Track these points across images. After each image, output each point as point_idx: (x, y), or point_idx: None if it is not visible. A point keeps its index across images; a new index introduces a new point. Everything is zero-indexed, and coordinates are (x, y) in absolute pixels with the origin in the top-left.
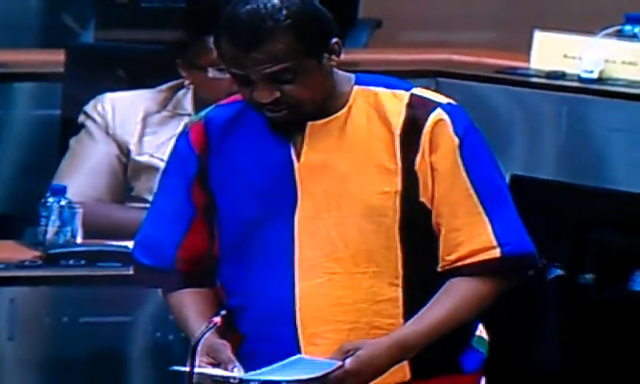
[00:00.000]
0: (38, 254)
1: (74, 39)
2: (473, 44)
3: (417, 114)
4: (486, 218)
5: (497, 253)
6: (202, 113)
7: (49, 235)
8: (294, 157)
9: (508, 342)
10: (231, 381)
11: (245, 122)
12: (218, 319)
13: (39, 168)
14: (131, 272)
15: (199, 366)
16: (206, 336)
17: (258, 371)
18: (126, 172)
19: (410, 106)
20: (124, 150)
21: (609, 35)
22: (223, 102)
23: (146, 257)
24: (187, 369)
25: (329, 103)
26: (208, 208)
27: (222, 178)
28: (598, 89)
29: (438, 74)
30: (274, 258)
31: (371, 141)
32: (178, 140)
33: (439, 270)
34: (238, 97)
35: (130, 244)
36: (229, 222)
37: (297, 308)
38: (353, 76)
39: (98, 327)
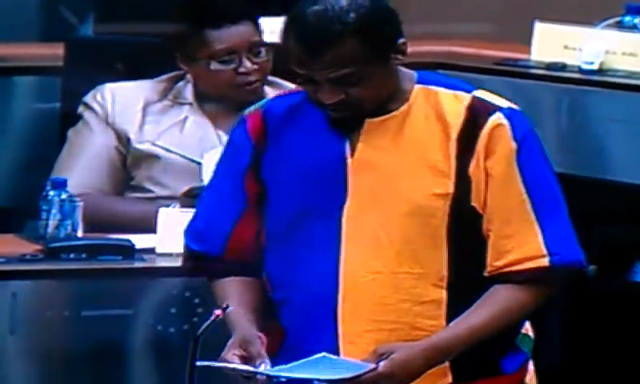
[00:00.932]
0: (38, 247)
1: (74, 33)
2: (473, 35)
3: (476, 117)
4: (537, 226)
5: (545, 262)
6: (262, 102)
7: (50, 229)
8: (348, 152)
9: None
10: (258, 376)
11: (303, 114)
12: (219, 312)
13: (39, 162)
14: (133, 265)
15: (227, 361)
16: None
17: (284, 367)
18: (126, 162)
19: (469, 108)
20: (123, 140)
21: (609, 26)
22: (285, 92)
23: (196, 243)
24: (213, 363)
25: (389, 100)
26: (260, 198)
27: (274, 168)
28: (598, 80)
29: (439, 65)
30: (319, 252)
31: (427, 141)
32: (235, 128)
33: (486, 275)
34: (296, 88)
35: (132, 237)
36: (277, 214)
37: (339, 305)
38: (415, 74)
39: (99, 320)
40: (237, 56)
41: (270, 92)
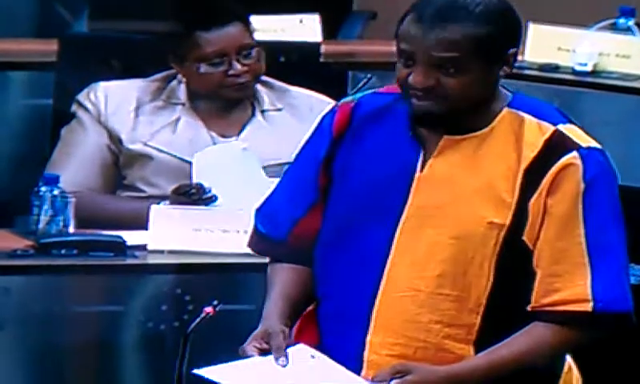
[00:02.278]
0: (30, 243)
1: (68, 29)
2: None
3: (551, 152)
4: (588, 270)
5: (589, 307)
6: (358, 94)
7: (41, 224)
8: (418, 166)
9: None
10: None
11: (389, 118)
12: (210, 309)
13: (31, 157)
14: (124, 262)
15: (246, 352)
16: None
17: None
18: (118, 161)
19: (548, 141)
20: (115, 139)
21: (603, 28)
22: (380, 90)
23: (263, 224)
24: (208, 373)
25: (473, 118)
26: (328, 191)
27: (345, 164)
28: (591, 82)
29: None
30: (366, 259)
31: (498, 168)
32: (324, 116)
33: (529, 309)
34: (394, 88)
35: (124, 234)
36: (335, 211)
37: (373, 314)
38: (510, 96)
39: (90, 317)
40: (227, 58)
41: (263, 91)
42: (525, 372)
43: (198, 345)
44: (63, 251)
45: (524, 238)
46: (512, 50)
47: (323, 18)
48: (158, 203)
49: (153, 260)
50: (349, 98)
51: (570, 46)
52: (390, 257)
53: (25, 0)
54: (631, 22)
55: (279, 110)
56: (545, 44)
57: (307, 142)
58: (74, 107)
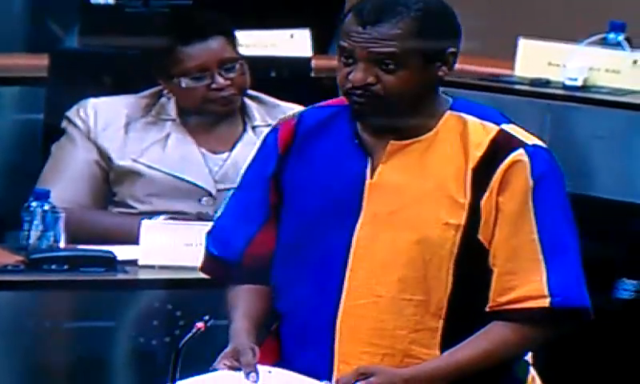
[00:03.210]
0: (20, 258)
1: (59, 44)
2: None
3: (497, 150)
4: (543, 266)
5: (546, 302)
6: (298, 111)
7: (31, 240)
8: (368, 173)
9: None
10: None
11: (332, 129)
12: (201, 325)
13: (22, 172)
14: (115, 277)
15: (215, 370)
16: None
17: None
18: (108, 177)
19: (493, 141)
20: (105, 156)
21: (593, 43)
22: (320, 104)
23: (215, 247)
24: None
25: (417, 123)
26: (279, 208)
27: (294, 179)
28: (582, 96)
29: None
30: (325, 269)
31: (447, 170)
32: (268, 134)
33: (487, 309)
34: (335, 101)
35: (115, 249)
36: (290, 224)
37: (337, 324)
38: (450, 100)
39: (80, 332)
40: (208, 72)
41: (254, 107)
42: (488, 380)
43: (190, 360)
44: (54, 266)
45: (479, 237)
46: (451, 50)
47: (314, 33)
48: (150, 218)
49: (144, 275)
50: (289, 115)
51: (561, 60)
52: (349, 265)
53: (16, 15)
54: (621, 37)
55: (270, 125)
56: (535, 59)
57: (252, 163)
58: (64, 123)
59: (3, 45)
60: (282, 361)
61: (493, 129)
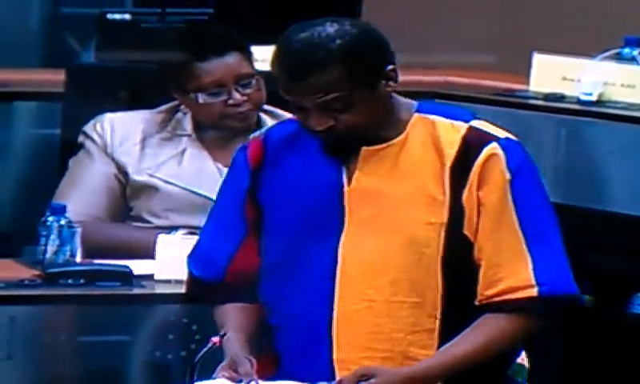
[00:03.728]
0: (37, 272)
1: (75, 59)
2: (472, 66)
3: (471, 146)
4: (528, 256)
5: (534, 292)
6: (264, 128)
7: (48, 254)
8: (345, 181)
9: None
10: None
11: (302, 142)
12: (216, 339)
13: (39, 187)
14: (131, 292)
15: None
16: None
17: None
18: (125, 192)
19: (465, 138)
20: (122, 171)
21: (608, 58)
22: (286, 119)
23: (197, 269)
24: None
25: (386, 129)
26: (258, 224)
27: (272, 194)
28: (596, 111)
29: (436, 95)
30: (315, 280)
31: (423, 170)
32: (237, 153)
33: (476, 303)
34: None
35: (131, 263)
36: (274, 240)
37: (333, 332)
38: (415, 104)
39: (96, 346)
40: (225, 88)
41: (268, 121)
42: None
43: (205, 374)
44: (70, 281)
45: (465, 232)
46: (390, 67)
47: None
48: (168, 233)
49: (160, 290)
50: (254, 134)
51: (575, 75)
52: (338, 273)
53: (32, 30)
54: (636, 52)
55: None
56: (549, 74)
57: (225, 183)
58: (81, 138)
59: (20, 60)
60: (281, 374)
61: (462, 127)
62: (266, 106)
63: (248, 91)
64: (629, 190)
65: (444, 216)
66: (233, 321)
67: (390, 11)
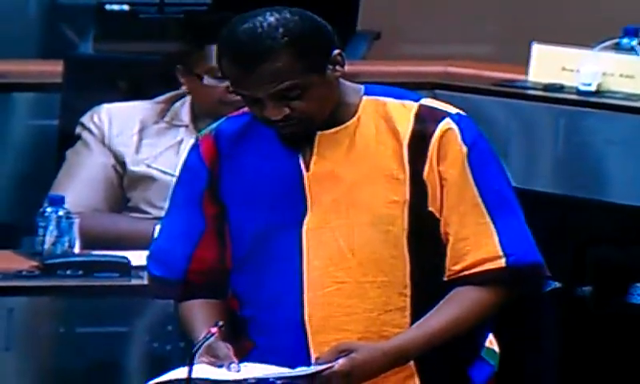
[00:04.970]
0: (35, 263)
1: (73, 50)
2: (471, 57)
3: (425, 123)
4: (492, 228)
5: (502, 263)
6: (213, 125)
7: (46, 245)
8: (302, 167)
9: (505, 355)
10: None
11: (254, 133)
12: (215, 329)
13: (37, 178)
14: (129, 283)
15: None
16: (205, 344)
17: (245, 366)
18: (123, 183)
19: (418, 115)
20: (120, 161)
21: (606, 48)
22: (234, 113)
23: (157, 268)
24: (168, 377)
25: (338, 113)
26: (219, 220)
27: (232, 189)
28: (595, 101)
29: (436, 86)
30: (283, 267)
31: (380, 150)
32: (189, 153)
33: (445, 279)
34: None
35: (129, 254)
36: (240, 233)
37: (306, 317)
38: (362, 87)
39: (95, 338)
40: None
41: None
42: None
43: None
44: (68, 272)
45: (430, 208)
46: (336, 51)
47: None
48: None
49: None
50: (204, 131)
51: (574, 65)
52: (304, 258)
53: (30, 21)
54: (635, 42)
55: None
56: (549, 64)
57: (179, 181)
58: (79, 130)
59: (18, 51)
60: (256, 361)
61: (413, 105)
62: None
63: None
64: (628, 181)
65: (406, 194)
66: (200, 315)
67: (389, 2)
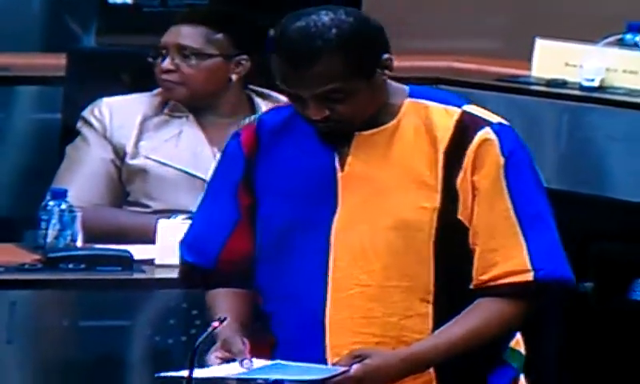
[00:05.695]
0: (37, 257)
1: (77, 43)
2: (474, 52)
3: (464, 131)
4: (522, 241)
5: (529, 276)
6: (257, 115)
7: (49, 239)
8: (337, 166)
9: None
10: (230, 377)
11: (295, 127)
12: (217, 324)
13: (40, 171)
14: (131, 276)
15: (208, 365)
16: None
17: (256, 367)
18: (122, 176)
19: (458, 122)
20: (120, 154)
21: (610, 44)
22: (279, 105)
23: (190, 255)
24: (175, 374)
25: (379, 114)
26: (253, 211)
27: (266, 181)
28: (598, 97)
29: (439, 80)
30: (308, 265)
31: (415, 155)
32: (229, 140)
33: (471, 288)
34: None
35: (131, 248)
36: (268, 226)
37: (326, 317)
38: (407, 88)
39: (97, 331)
40: (166, 53)
41: (261, 103)
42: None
43: (206, 359)
44: (71, 265)
45: (460, 217)
46: (386, 56)
47: None
48: (168, 217)
49: (160, 274)
50: (247, 120)
51: (578, 61)
52: (331, 258)
53: (33, 14)
54: (638, 38)
55: None
56: (552, 59)
57: (217, 169)
58: (79, 124)
59: (21, 44)
60: (276, 357)
61: (455, 111)
62: (260, 89)
63: (181, 63)
64: (630, 176)
65: (437, 201)
66: (225, 304)
67: None
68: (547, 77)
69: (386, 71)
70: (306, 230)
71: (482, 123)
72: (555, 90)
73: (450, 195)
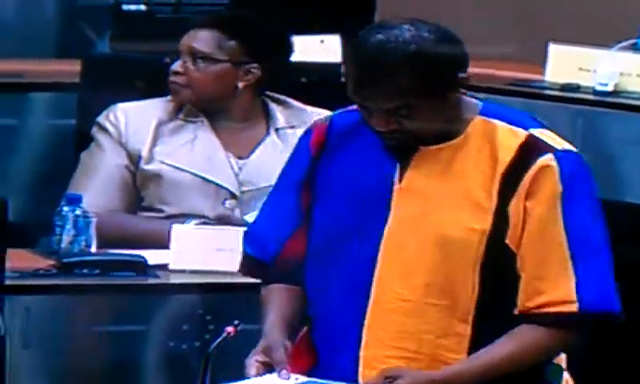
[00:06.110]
0: (52, 262)
1: (91, 49)
2: (488, 56)
3: (526, 155)
4: (572, 271)
5: (574, 307)
6: (330, 114)
7: (63, 244)
8: (396, 178)
9: None
10: None
11: (362, 133)
12: (231, 329)
13: (54, 177)
14: (146, 282)
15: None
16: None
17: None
18: (136, 181)
19: (522, 146)
20: (134, 160)
21: (624, 48)
22: (352, 107)
23: (250, 247)
24: None
25: (447, 129)
26: (311, 211)
27: (326, 183)
28: (612, 101)
29: None
30: (354, 274)
31: (474, 175)
32: (301, 137)
33: (515, 313)
34: None
35: (146, 253)
36: (321, 228)
37: (364, 329)
38: (480, 104)
39: (111, 336)
40: (179, 56)
41: (278, 110)
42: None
43: (220, 364)
44: (85, 271)
45: (507, 242)
46: (461, 75)
47: (344, 38)
48: (182, 222)
49: (174, 280)
50: (323, 118)
51: (591, 66)
52: (377, 270)
53: (48, 20)
54: None
55: (293, 127)
56: (566, 64)
57: (288, 165)
58: (94, 130)
59: (36, 50)
60: (317, 365)
61: (522, 134)
62: (274, 94)
63: (190, 67)
64: None
65: (487, 223)
66: (276, 301)
67: (405, 1)
68: (561, 81)
69: (461, 89)
70: (357, 239)
71: (545, 149)
72: (569, 95)
73: (501, 219)
